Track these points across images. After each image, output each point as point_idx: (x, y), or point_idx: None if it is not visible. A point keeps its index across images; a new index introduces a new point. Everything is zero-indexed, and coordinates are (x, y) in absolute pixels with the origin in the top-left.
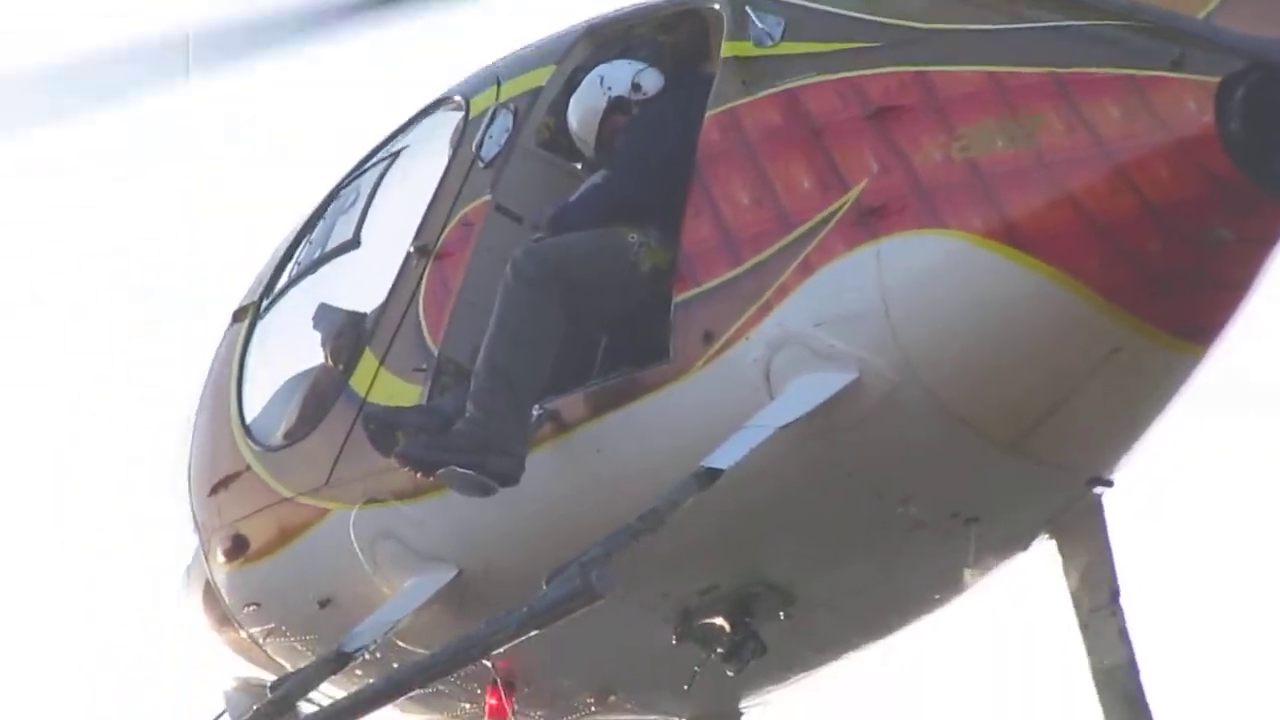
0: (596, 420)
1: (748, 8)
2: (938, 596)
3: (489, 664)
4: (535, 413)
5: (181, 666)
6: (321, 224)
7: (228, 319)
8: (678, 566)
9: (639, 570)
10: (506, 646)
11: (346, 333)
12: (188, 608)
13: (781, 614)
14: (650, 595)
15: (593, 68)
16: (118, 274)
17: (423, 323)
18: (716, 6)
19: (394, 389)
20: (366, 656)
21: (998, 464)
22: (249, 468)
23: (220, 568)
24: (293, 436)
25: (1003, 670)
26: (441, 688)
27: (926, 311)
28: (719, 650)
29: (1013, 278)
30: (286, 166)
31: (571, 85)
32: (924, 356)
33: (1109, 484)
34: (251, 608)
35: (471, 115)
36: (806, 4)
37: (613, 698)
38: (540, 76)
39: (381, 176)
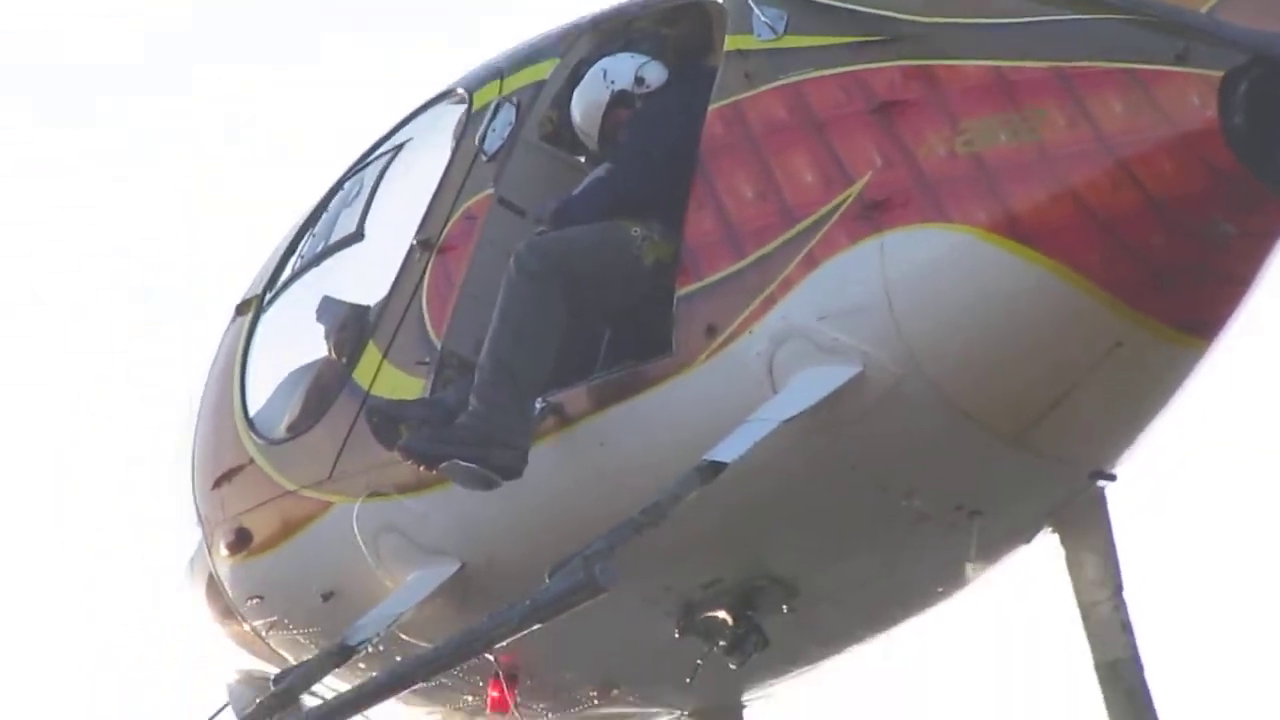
0: (600, 414)
1: (750, 1)
2: (941, 589)
3: (491, 657)
4: (538, 406)
5: (184, 660)
6: (325, 217)
7: (230, 313)
8: (681, 560)
9: (642, 563)
10: (509, 640)
11: (349, 326)
12: (191, 601)
13: (784, 607)
14: (653, 588)
15: (596, 61)
16: (118, 274)
17: (426, 316)
18: (720, 0)
19: (397, 382)
20: (370, 650)
21: (1001, 457)
22: (252, 461)
23: (223, 561)
24: (296, 429)
25: (1005, 664)
26: (444, 680)
27: (930, 305)
28: (721, 643)
29: (1016, 272)
30: (286, 166)
31: (574, 79)
32: (927, 350)
33: (1112, 478)
34: (255, 601)
35: (474, 109)
36: None
37: (615, 691)
38: (543, 70)
39: (385, 170)
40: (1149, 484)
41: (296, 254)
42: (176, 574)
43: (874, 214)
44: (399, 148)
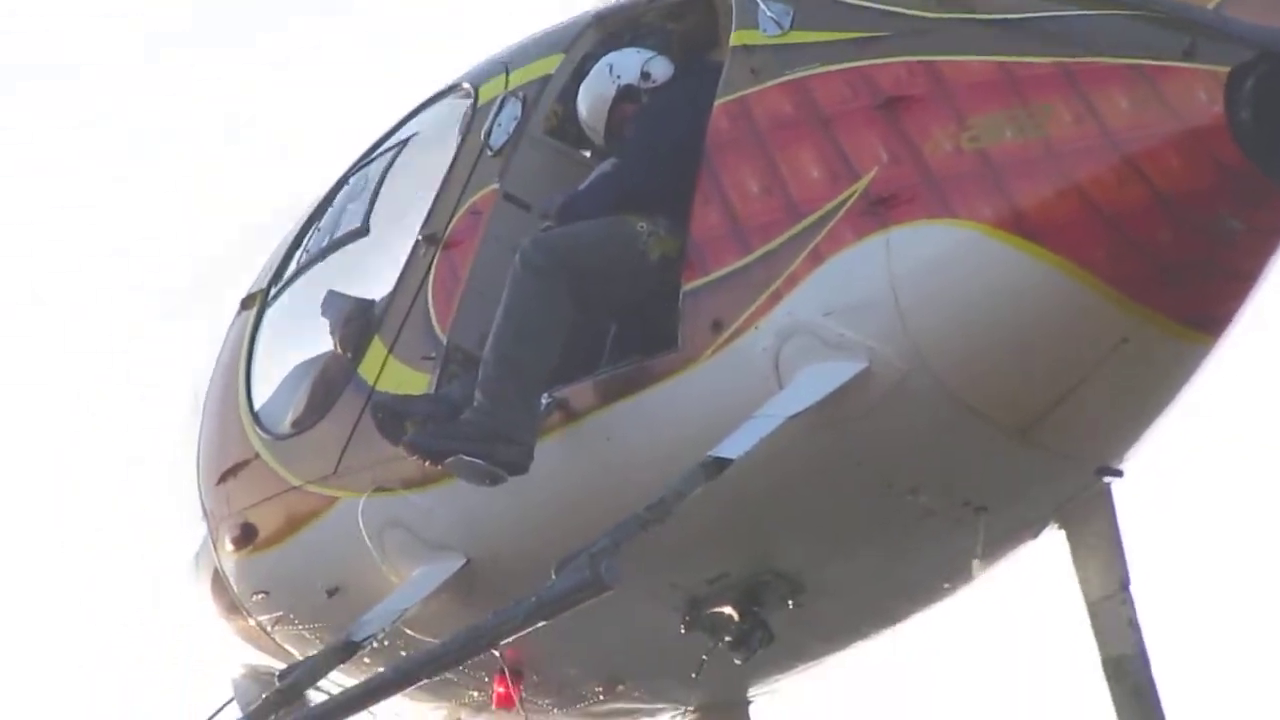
0: (605, 409)
1: None
2: (947, 585)
3: (496, 653)
4: (544, 401)
5: (187, 657)
6: (330, 212)
7: (235, 308)
8: (686, 556)
9: (647, 560)
10: (514, 637)
11: (355, 320)
12: (196, 596)
13: (790, 603)
14: (659, 584)
15: (601, 56)
16: (118, 274)
17: (431, 311)
18: None
19: (402, 377)
20: (375, 645)
21: (1007, 453)
22: (257, 456)
23: (229, 556)
24: (301, 424)
25: (1012, 660)
26: (450, 676)
27: (936, 301)
28: (727, 639)
29: (1022, 267)
30: (286, 166)
31: (580, 73)
32: (933, 345)
33: (1118, 473)
34: (260, 596)
35: (480, 103)
36: None
37: (620, 687)
38: (549, 65)
39: (390, 164)
40: (1155, 480)
41: (302, 248)
42: (179, 572)
43: (880, 210)
44: (404, 142)
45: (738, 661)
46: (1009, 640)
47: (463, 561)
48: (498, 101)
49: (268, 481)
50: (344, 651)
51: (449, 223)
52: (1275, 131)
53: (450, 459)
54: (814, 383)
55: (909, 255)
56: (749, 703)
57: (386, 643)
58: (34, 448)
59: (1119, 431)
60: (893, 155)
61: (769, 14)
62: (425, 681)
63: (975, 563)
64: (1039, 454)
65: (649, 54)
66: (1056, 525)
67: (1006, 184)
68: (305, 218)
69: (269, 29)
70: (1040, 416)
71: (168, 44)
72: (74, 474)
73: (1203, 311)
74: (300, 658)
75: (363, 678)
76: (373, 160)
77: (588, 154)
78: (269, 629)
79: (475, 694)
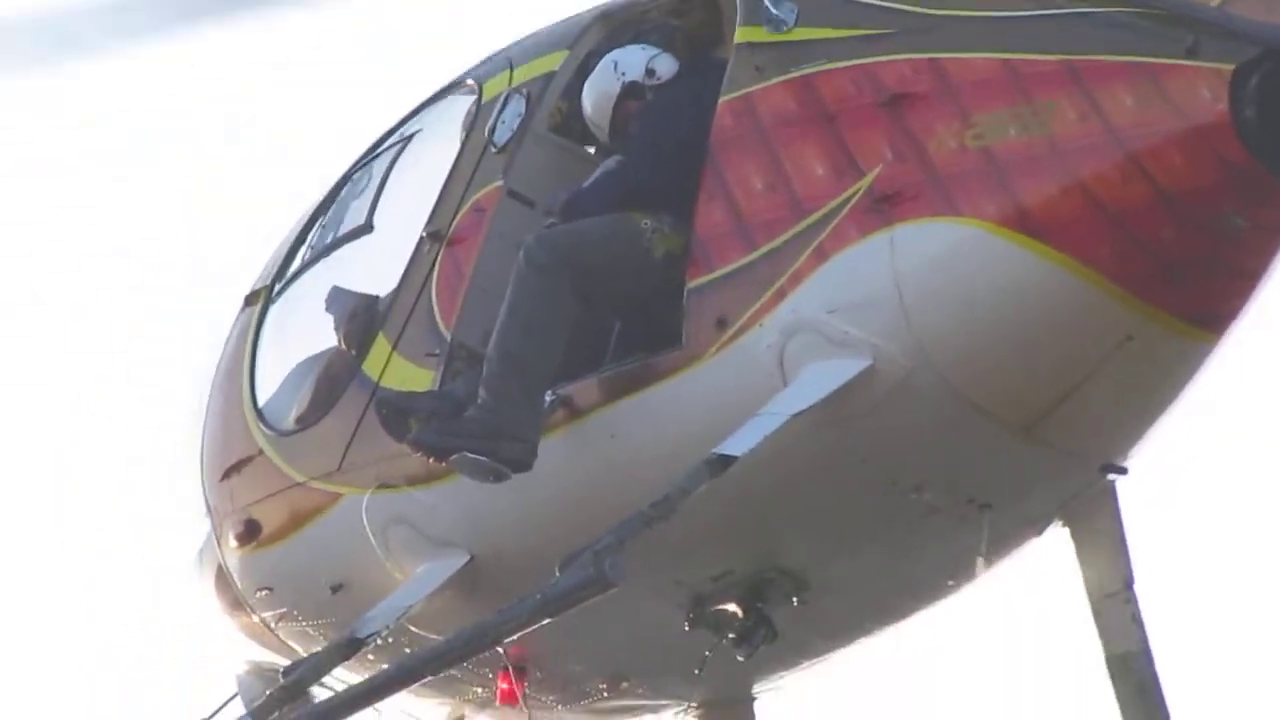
0: (610, 406)
1: None
2: (951, 583)
3: (500, 650)
4: (548, 398)
5: (188, 654)
6: (334, 208)
7: (239, 305)
8: (691, 553)
9: (652, 557)
10: (519, 634)
11: (359, 316)
12: (199, 592)
13: (795, 600)
14: (663, 582)
15: (606, 52)
16: (118, 274)
17: (435, 308)
18: None
19: (406, 374)
20: (379, 642)
21: (1011, 450)
22: (261, 452)
23: (232, 552)
24: (305, 421)
25: (1016, 657)
26: (454, 672)
27: (940, 298)
28: (730, 635)
29: (1026, 265)
30: (286, 166)
31: (585, 70)
32: (937, 343)
33: (1123, 471)
34: (264, 592)
35: (484, 100)
36: None
37: (625, 683)
38: (553, 61)
39: (394, 161)
40: (1159, 477)
41: (306, 245)
42: (180, 571)
43: (884, 207)
44: (409, 139)
45: (740, 658)
46: (1013, 638)
47: (467, 558)
48: (502, 98)
49: (271, 478)
50: (348, 648)
51: (453, 219)
52: (1279, 129)
53: (454, 456)
54: (818, 380)
55: (913, 253)
56: (753, 699)
57: (390, 640)
58: (34, 448)
59: (1123, 429)
60: (897, 153)
61: (774, 11)
62: (429, 678)
63: (979, 560)
64: (1043, 451)
65: (654, 51)
66: (1060, 523)
67: (1011, 182)
68: (309, 214)
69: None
70: (1044, 414)
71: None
72: (74, 474)
73: (1207, 309)
74: (304, 654)
75: (367, 675)
76: (377, 157)
77: (592, 151)
78: (273, 625)
79: (479, 690)
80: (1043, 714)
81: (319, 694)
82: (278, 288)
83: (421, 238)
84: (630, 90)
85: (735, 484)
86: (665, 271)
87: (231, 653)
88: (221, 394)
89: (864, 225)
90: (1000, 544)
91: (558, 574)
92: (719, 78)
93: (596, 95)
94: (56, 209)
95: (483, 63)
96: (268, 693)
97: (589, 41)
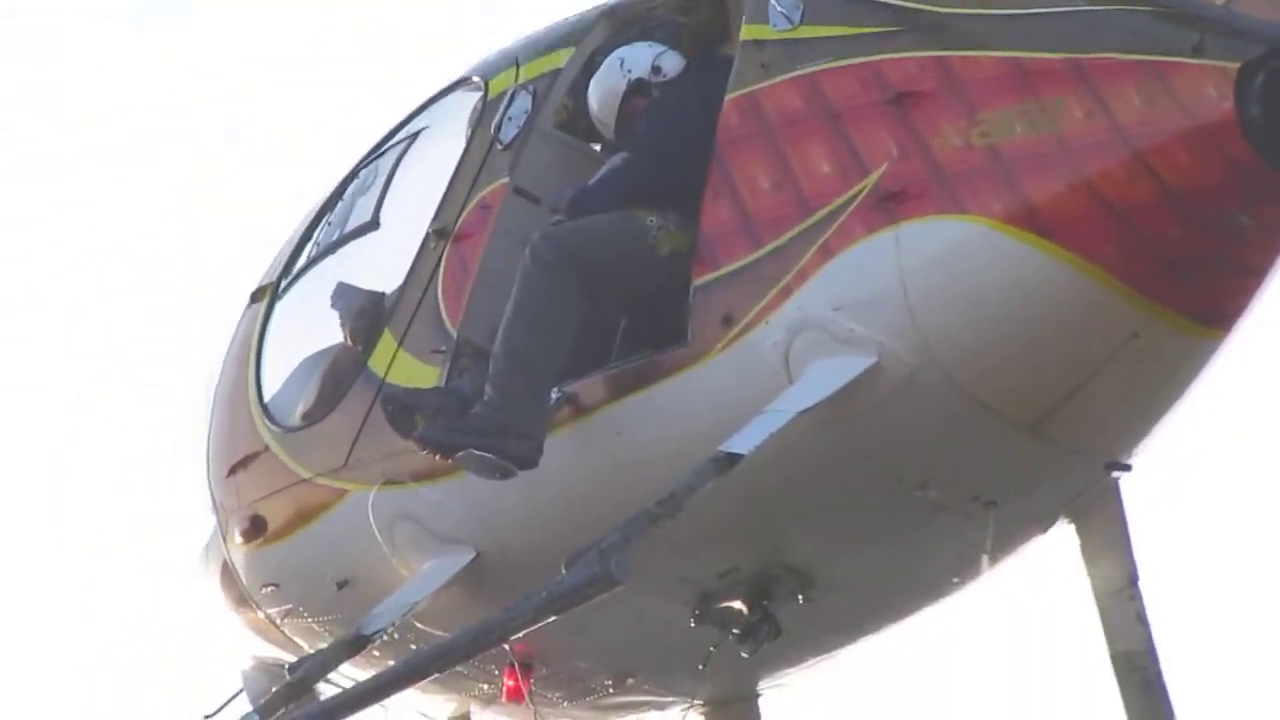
0: (615, 403)
1: None
2: (956, 580)
3: (506, 646)
4: (554, 396)
5: (191, 652)
6: (340, 205)
7: (244, 301)
8: (697, 550)
9: (658, 554)
10: (525, 631)
11: (365, 313)
12: (205, 588)
13: (800, 597)
14: (669, 579)
15: (612, 49)
16: (118, 274)
17: (441, 305)
18: None
19: (412, 370)
20: (385, 638)
21: (1016, 448)
22: (267, 448)
23: (238, 548)
24: (311, 417)
25: (1021, 655)
26: (459, 669)
27: (945, 296)
28: (734, 632)
29: (1032, 263)
30: (286, 166)
31: (591, 67)
32: (943, 341)
33: (1128, 468)
34: (269, 588)
35: (490, 96)
36: None
37: (630, 680)
38: (559, 58)
39: (400, 157)
40: (1165, 475)
41: (312, 241)
42: (182, 570)
43: (890, 205)
44: (415, 136)
45: (744, 655)
46: (1018, 635)
47: (473, 555)
48: (508, 95)
49: (277, 474)
50: (354, 645)
51: (459, 216)
52: None
53: (460, 453)
54: (824, 378)
55: (919, 250)
56: (758, 696)
57: (396, 636)
58: (34, 448)
59: (1129, 426)
60: (903, 150)
61: (779, 8)
62: (435, 675)
63: (985, 557)
64: (1049, 449)
65: (660, 48)
66: (1066, 520)
67: (1017, 179)
68: (315, 211)
69: (269, 29)
70: (1050, 411)
71: (168, 43)
72: (74, 474)
73: (1213, 307)
74: (310, 650)
75: (372, 671)
76: (383, 153)
77: (598, 148)
78: (278, 621)
79: (485, 687)
80: (1047, 712)
81: (324, 690)
82: (284, 284)
83: (427, 234)
84: (636, 87)
85: (741, 481)
86: (671, 269)
87: (237, 649)
88: (227, 390)
89: (870, 223)
90: (1005, 541)
91: (563, 571)
92: (725, 75)
93: (602, 92)
94: (56, 209)
95: (488, 59)
96: (273, 689)
97: (595, 38)
